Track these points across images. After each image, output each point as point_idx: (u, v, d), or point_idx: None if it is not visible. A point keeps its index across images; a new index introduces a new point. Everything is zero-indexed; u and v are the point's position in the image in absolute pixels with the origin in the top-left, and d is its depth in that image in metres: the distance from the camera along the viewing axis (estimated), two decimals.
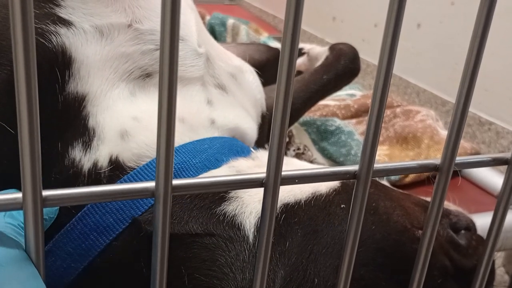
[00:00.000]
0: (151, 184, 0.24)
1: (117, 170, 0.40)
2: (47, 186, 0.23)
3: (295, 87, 0.79)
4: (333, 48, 0.86)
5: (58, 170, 0.38)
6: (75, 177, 0.39)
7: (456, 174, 0.83)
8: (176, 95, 0.21)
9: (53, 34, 0.39)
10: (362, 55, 0.85)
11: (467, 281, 0.41)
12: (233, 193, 0.41)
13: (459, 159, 0.31)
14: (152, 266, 0.25)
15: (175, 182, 0.24)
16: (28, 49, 0.20)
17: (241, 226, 0.39)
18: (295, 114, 0.81)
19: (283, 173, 0.26)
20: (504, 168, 0.34)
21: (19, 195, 0.22)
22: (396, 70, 1.54)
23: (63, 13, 0.40)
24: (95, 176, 0.39)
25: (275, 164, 0.26)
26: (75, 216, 0.38)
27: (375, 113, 0.27)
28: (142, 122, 0.41)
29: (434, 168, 0.30)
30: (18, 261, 0.23)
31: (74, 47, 0.40)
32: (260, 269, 0.27)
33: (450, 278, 0.42)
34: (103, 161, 0.39)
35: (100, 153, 0.39)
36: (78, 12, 0.41)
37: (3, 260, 0.23)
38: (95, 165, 0.39)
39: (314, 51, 0.92)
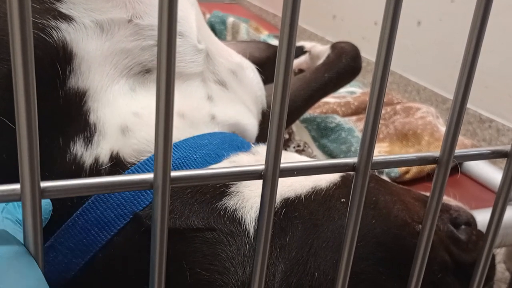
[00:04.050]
0: (149, 175, 0.24)
1: (117, 166, 0.40)
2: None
3: (297, 85, 0.79)
4: (334, 46, 0.86)
5: (60, 166, 0.38)
6: (77, 173, 0.39)
7: (456, 169, 0.83)
8: (173, 82, 0.21)
9: (54, 29, 0.39)
10: (362, 53, 0.85)
11: (467, 276, 0.41)
12: (234, 188, 0.41)
13: (458, 151, 0.31)
14: (151, 258, 0.25)
15: (174, 173, 0.24)
16: (26, 43, 0.20)
17: (241, 220, 0.39)
18: (296, 112, 0.81)
19: (281, 165, 0.26)
20: (504, 165, 0.34)
21: (17, 186, 0.22)
22: (397, 67, 1.54)
23: (64, 8, 0.40)
24: (96, 173, 0.39)
25: (273, 156, 0.26)
26: (76, 211, 0.38)
27: (373, 105, 0.26)
28: (142, 118, 0.41)
29: (433, 160, 0.30)
30: (15, 252, 0.23)
31: (75, 42, 0.40)
32: (260, 261, 0.27)
33: (450, 273, 0.42)
34: (104, 157, 0.39)
35: (102, 149, 0.39)
36: (78, 7, 0.41)
37: (0, 252, 0.23)
38: (96, 160, 0.39)
39: (316, 50, 0.92)
